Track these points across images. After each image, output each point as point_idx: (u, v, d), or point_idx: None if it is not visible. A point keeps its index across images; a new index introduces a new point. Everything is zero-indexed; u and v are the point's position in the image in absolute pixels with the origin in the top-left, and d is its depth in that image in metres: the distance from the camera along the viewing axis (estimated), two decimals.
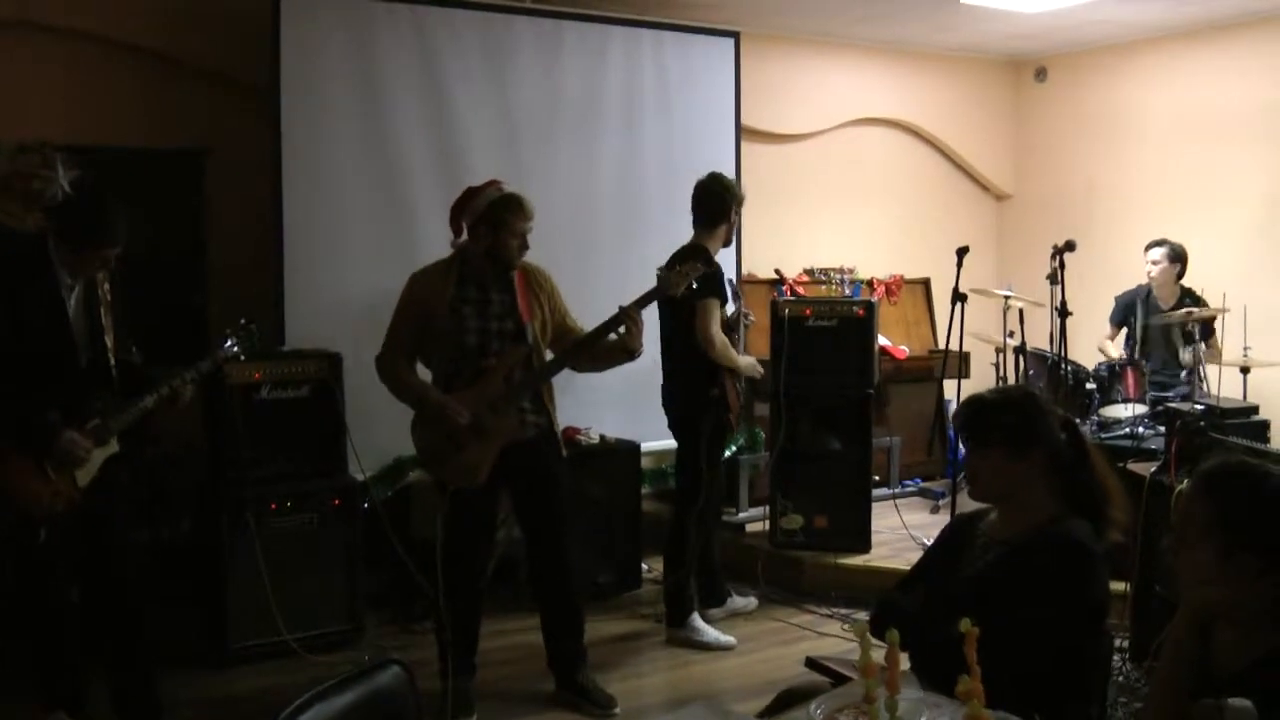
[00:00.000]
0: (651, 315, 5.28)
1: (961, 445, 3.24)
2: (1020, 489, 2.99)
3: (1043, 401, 3.13)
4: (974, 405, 3.15)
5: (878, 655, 2.31)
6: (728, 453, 6.62)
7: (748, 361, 5.88)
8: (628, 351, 4.83)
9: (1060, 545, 2.87)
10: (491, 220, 4.79)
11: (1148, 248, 7.37)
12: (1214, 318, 6.87)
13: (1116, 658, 4.67)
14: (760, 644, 5.81)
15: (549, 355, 4.97)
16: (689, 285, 4.96)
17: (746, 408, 6.65)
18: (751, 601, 6.29)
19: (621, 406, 6.59)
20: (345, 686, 2.42)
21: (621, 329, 4.79)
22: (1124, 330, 7.58)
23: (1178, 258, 7.26)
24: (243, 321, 4.75)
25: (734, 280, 7.16)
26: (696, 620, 5.81)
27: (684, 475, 5.83)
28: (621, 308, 4.79)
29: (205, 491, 5.67)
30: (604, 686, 5.10)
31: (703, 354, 5.54)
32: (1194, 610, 2.44)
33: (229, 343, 4.66)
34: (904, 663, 2.93)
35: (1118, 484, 3.06)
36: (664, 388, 5.86)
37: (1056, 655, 2.81)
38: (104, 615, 4.50)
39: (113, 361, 4.42)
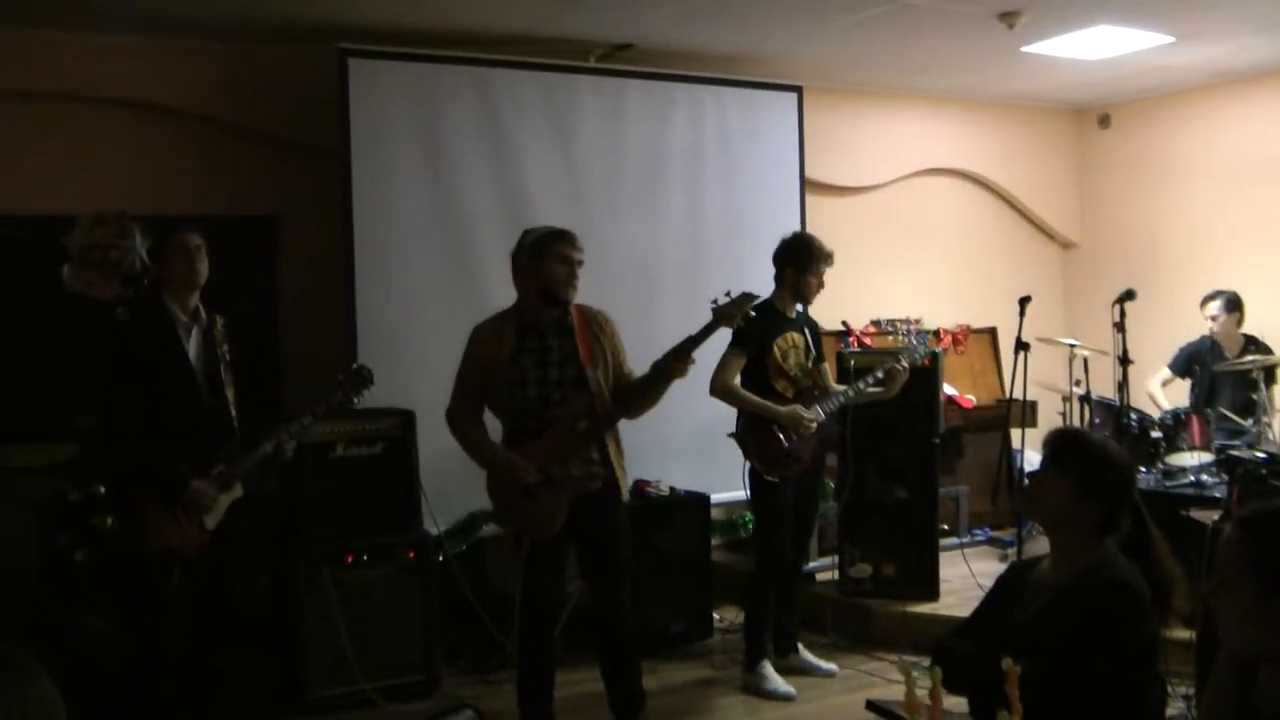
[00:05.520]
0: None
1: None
2: (1073, 529, 3.06)
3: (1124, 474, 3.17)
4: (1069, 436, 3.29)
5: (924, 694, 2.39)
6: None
7: (786, 411, 5.70)
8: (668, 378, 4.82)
9: (1104, 584, 2.94)
10: (538, 251, 4.85)
11: (1203, 302, 7.34)
12: (1278, 364, 6.81)
13: (1182, 705, 4.70)
14: (829, 691, 5.83)
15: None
16: (745, 316, 4.90)
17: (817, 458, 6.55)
18: (832, 668, 6.07)
19: (691, 458, 6.68)
20: None
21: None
22: (1188, 380, 7.56)
23: (1234, 306, 7.23)
24: (354, 366, 5.00)
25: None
26: (765, 668, 5.85)
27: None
28: (675, 351, 4.80)
29: (281, 546, 5.78)
30: None
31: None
32: (1235, 653, 2.49)
33: (340, 391, 4.89)
34: (960, 704, 3.03)
35: (1180, 572, 3.10)
36: None
37: (1105, 697, 2.86)
38: (204, 661, 4.71)
39: (234, 412, 4.70)
